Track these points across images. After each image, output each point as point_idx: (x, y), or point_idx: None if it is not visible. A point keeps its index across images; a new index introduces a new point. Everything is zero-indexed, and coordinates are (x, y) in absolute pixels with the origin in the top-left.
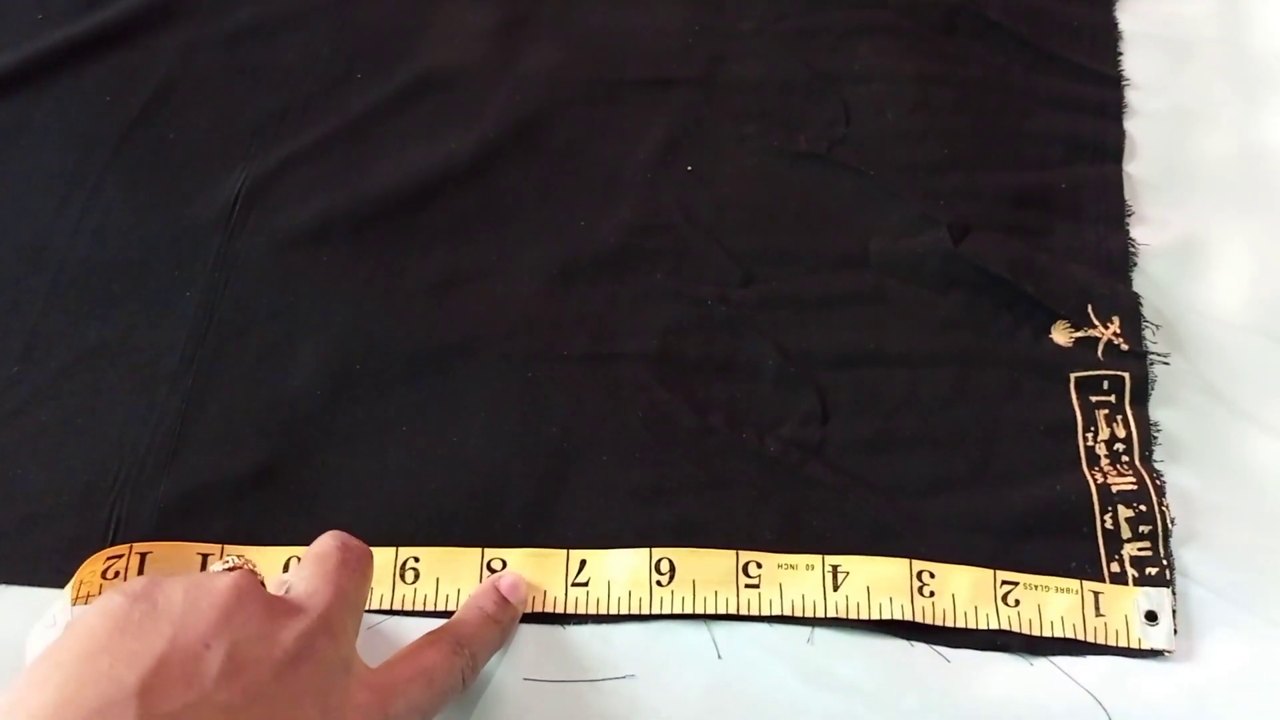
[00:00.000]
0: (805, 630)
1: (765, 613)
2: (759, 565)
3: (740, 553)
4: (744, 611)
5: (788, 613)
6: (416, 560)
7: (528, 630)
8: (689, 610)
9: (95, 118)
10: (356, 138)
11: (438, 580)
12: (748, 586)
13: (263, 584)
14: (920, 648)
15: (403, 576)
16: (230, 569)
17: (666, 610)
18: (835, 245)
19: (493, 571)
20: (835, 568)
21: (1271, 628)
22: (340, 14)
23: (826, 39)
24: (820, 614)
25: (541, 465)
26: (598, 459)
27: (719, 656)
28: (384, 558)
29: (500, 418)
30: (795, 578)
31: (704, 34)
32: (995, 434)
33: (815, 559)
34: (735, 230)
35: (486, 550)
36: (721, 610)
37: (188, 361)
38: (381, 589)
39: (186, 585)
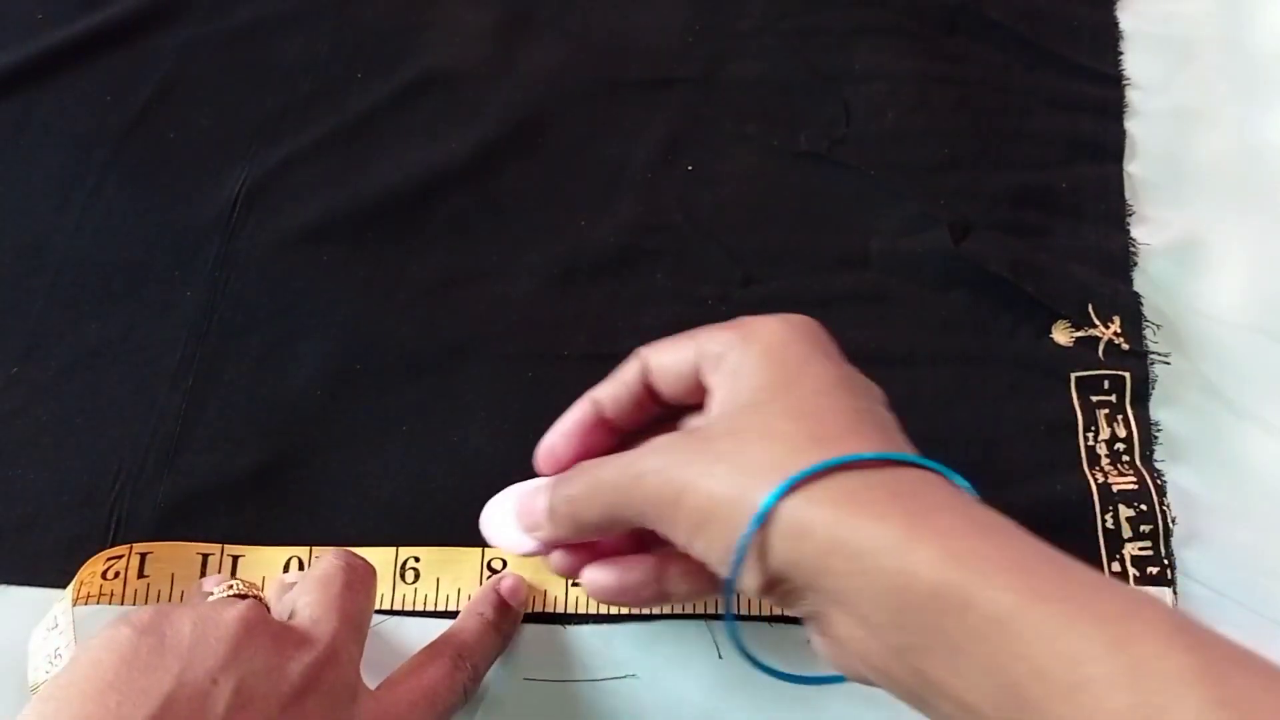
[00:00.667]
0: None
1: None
2: None
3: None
4: (744, 611)
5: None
6: (417, 560)
7: (528, 630)
8: (689, 610)
9: (95, 118)
10: (357, 137)
11: (438, 580)
12: None
13: (269, 610)
14: None
15: (403, 576)
16: (237, 596)
17: (667, 610)
18: (835, 245)
19: (493, 571)
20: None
21: (1273, 626)
22: (340, 14)
23: (827, 38)
24: None
25: None
26: None
27: (720, 656)
28: (384, 557)
29: (501, 417)
30: None
31: (704, 33)
32: (996, 433)
33: None
34: (735, 230)
35: (486, 550)
36: (722, 610)
37: (188, 361)
38: (381, 589)
39: (194, 618)
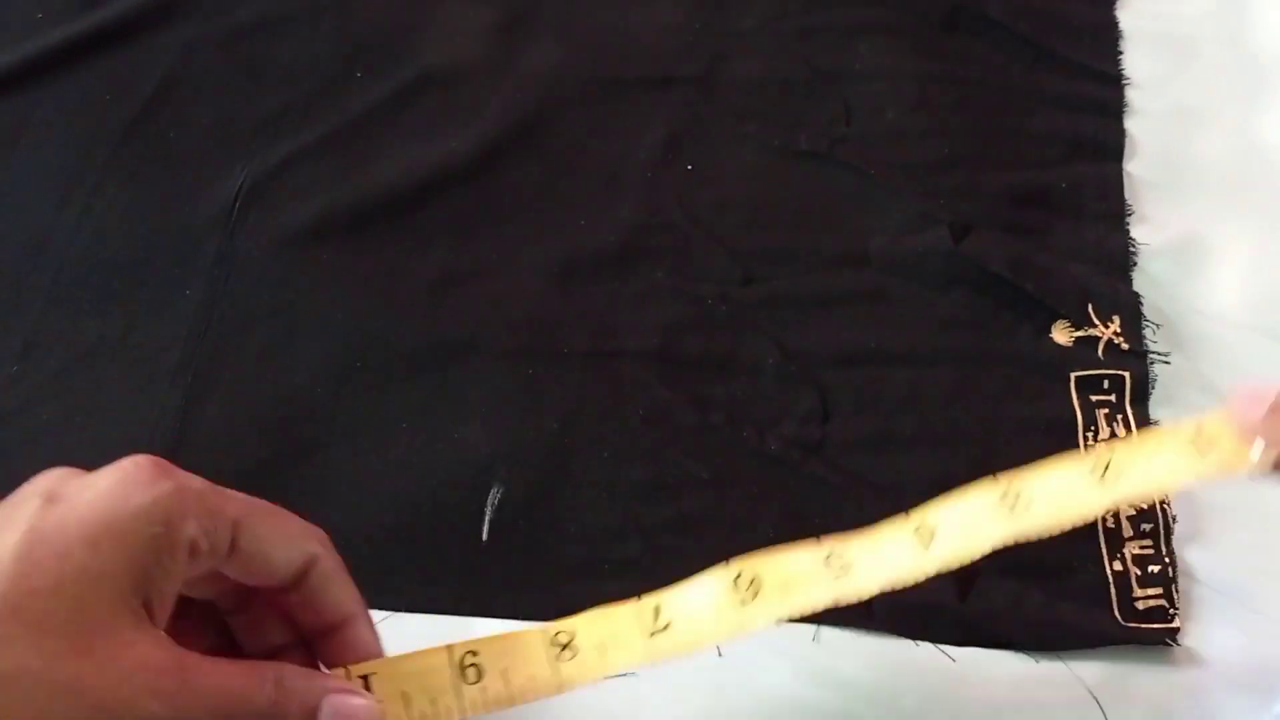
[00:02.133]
0: (810, 628)
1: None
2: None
3: (818, 543)
4: (839, 605)
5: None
6: (475, 655)
7: (528, 627)
8: (783, 617)
9: (95, 117)
10: (357, 136)
11: (505, 671)
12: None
13: None
14: (924, 647)
15: (464, 675)
16: None
17: (760, 625)
18: (836, 244)
19: (561, 647)
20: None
21: (1273, 625)
22: (340, 13)
23: (827, 37)
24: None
25: (542, 462)
26: (599, 456)
27: (720, 655)
28: (437, 661)
29: (501, 415)
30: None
31: (705, 32)
32: (996, 433)
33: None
34: (736, 229)
35: (550, 625)
36: (815, 609)
37: (188, 359)
38: (446, 700)
39: None
